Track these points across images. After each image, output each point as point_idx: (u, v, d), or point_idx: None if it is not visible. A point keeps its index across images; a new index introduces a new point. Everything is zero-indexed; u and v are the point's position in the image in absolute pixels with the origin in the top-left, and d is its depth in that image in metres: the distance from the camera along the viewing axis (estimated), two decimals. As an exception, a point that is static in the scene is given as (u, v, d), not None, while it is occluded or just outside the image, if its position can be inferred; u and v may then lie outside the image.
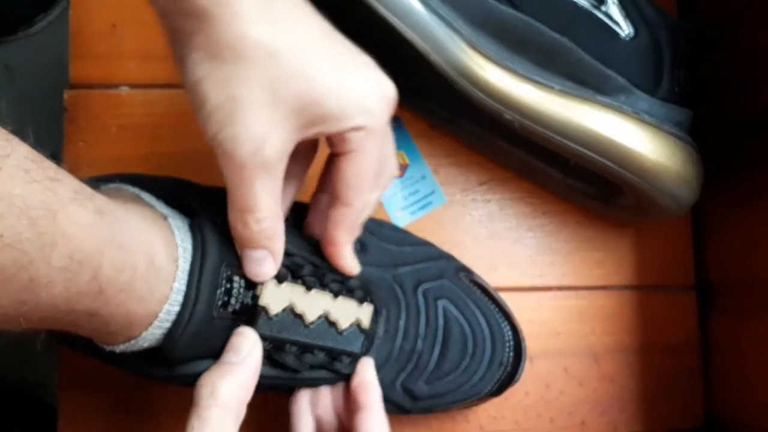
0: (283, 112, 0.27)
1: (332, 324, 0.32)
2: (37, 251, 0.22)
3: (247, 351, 0.29)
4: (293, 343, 0.31)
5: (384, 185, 0.33)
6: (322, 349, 0.32)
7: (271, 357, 0.31)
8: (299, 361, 0.32)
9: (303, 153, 0.32)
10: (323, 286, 0.32)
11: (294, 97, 0.27)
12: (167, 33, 0.28)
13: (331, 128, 0.28)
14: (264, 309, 0.30)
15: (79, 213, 0.23)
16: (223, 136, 0.26)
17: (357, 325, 0.33)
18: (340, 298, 0.32)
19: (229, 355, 0.29)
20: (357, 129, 0.28)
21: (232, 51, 0.26)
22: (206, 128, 0.27)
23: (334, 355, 0.33)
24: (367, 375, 0.33)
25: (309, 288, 0.32)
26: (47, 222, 0.22)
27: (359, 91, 0.28)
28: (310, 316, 0.32)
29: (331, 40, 0.29)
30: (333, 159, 0.30)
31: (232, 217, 0.29)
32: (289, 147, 0.28)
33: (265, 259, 0.30)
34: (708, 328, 0.46)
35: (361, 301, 0.33)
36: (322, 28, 0.29)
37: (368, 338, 0.34)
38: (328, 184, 0.33)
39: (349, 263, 0.33)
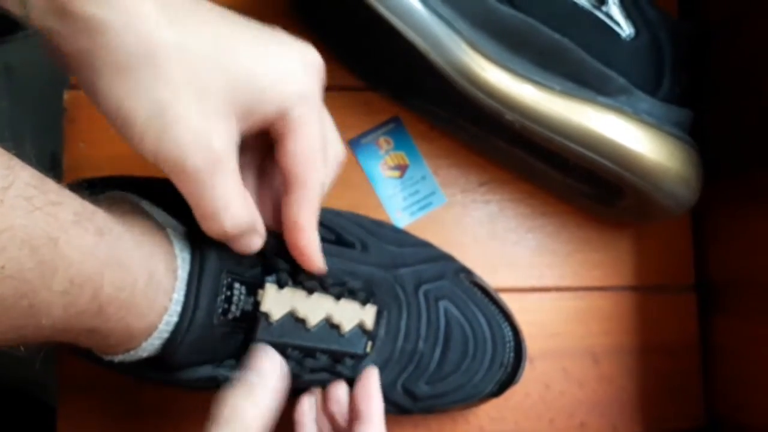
0: (215, 104, 0.25)
1: (334, 327, 0.32)
2: (37, 279, 0.22)
3: (268, 371, 0.29)
4: (295, 347, 0.31)
5: (333, 168, 0.31)
6: (324, 352, 0.32)
7: None
8: (300, 366, 0.32)
9: (251, 146, 0.31)
10: (324, 289, 0.32)
11: (221, 87, 0.26)
12: (69, 63, 0.25)
13: (269, 109, 0.27)
14: (265, 315, 0.30)
15: (80, 236, 0.23)
16: (165, 147, 0.25)
17: (360, 326, 0.33)
18: (343, 301, 0.32)
19: (250, 374, 0.29)
20: (295, 104, 0.27)
21: (142, 58, 0.24)
22: (144, 147, 0.25)
23: (336, 357, 0.33)
24: (370, 384, 0.33)
25: (310, 292, 0.32)
26: (48, 250, 0.22)
27: (284, 65, 0.27)
28: (312, 320, 0.32)
29: (239, 25, 0.27)
30: (277, 146, 0.29)
31: (206, 225, 0.27)
32: (236, 138, 0.27)
33: (252, 239, 0.29)
34: (708, 328, 0.46)
35: (363, 302, 0.33)
36: (227, 17, 0.27)
37: (371, 339, 0.34)
38: (274, 175, 0.32)
39: (318, 254, 0.31)
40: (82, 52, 0.25)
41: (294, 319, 0.31)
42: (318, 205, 0.30)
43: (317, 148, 0.29)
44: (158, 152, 0.25)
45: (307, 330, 0.31)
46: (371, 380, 0.33)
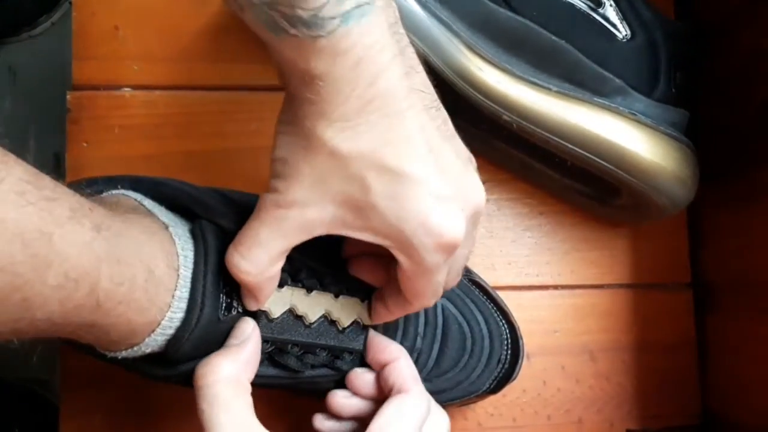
0: (325, 196, 0.26)
1: (333, 323, 0.33)
2: (30, 273, 0.22)
3: (247, 333, 0.29)
4: (295, 343, 0.32)
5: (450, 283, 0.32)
6: (324, 348, 0.33)
7: (272, 358, 0.32)
8: (300, 361, 0.32)
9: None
10: (323, 287, 0.32)
11: (340, 195, 0.26)
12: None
13: (390, 241, 0.27)
14: (265, 313, 0.31)
15: (76, 231, 0.23)
16: (275, 185, 0.27)
17: (358, 322, 0.34)
18: (341, 298, 0.33)
19: (229, 340, 0.29)
20: (426, 253, 0.27)
21: (304, 131, 0.25)
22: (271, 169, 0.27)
23: (336, 353, 0.33)
24: (380, 339, 0.33)
25: (310, 290, 0.32)
26: (42, 244, 0.22)
27: (413, 222, 0.26)
28: (312, 316, 0.32)
29: (421, 153, 0.26)
30: (399, 271, 0.29)
31: (230, 249, 0.28)
32: (324, 228, 0.27)
33: (249, 299, 0.30)
34: (704, 326, 0.46)
35: (362, 299, 0.34)
36: (416, 138, 0.26)
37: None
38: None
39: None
40: (290, 90, 0.25)
41: (294, 316, 0.32)
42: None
43: (431, 294, 0.29)
44: (271, 184, 0.27)
45: (307, 326, 0.32)
46: (377, 337, 0.34)
